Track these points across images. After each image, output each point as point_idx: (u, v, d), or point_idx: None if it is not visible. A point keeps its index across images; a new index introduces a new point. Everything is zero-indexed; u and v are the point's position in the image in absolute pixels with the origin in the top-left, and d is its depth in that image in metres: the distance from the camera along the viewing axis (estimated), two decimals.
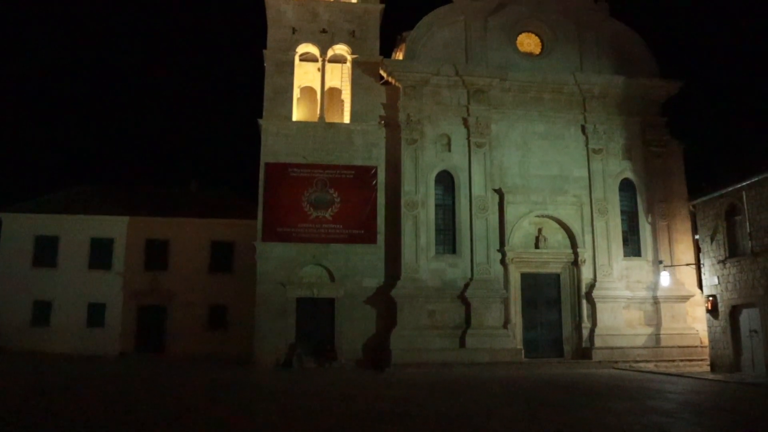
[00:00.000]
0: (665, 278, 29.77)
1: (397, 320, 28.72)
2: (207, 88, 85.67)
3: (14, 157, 78.76)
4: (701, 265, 28.20)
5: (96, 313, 36.28)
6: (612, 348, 29.57)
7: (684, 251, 32.16)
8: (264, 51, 31.78)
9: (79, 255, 36.69)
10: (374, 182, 30.85)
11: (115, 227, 37.17)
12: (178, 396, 18.01)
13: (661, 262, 30.61)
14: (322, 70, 32.36)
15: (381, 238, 30.43)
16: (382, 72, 32.03)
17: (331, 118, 32.46)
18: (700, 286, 31.20)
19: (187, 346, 35.48)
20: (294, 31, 32.11)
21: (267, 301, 29.24)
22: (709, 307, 27.33)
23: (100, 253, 36.91)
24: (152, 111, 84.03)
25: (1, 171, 77.46)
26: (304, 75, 34.36)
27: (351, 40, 32.46)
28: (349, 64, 32.87)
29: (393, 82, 31.91)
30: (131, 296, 36.53)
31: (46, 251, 36.47)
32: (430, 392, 19.36)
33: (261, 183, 30.11)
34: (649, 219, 32.24)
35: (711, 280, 27.59)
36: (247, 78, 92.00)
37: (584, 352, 29.85)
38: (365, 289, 29.87)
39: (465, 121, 31.41)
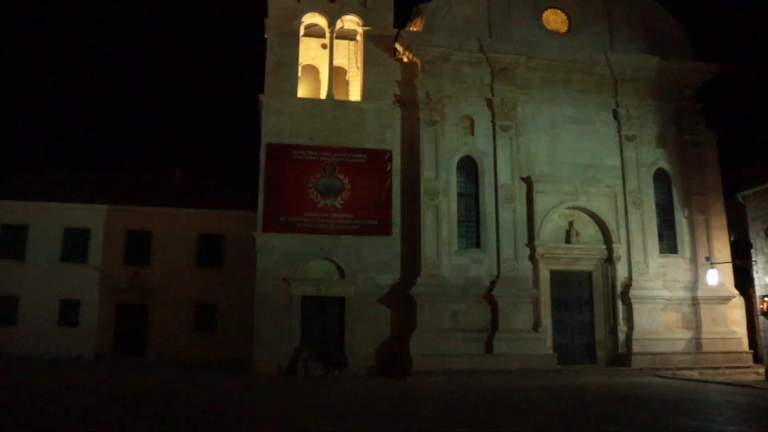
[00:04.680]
0: (713, 277, 26.84)
1: (417, 322, 25.46)
2: (193, 65, 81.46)
3: None
4: (753, 263, 25.46)
5: (69, 311, 32.52)
6: (653, 354, 26.66)
7: (720, 249, 29.46)
8: (265, 20, 28.39)
9: (50, 246, 32.84)
10: (388, 167, 27.62)
11: (92, 217, 33.37)
12: (168, 414, 14.56)
13: (708, 259, 27.67)
14: (330, 43, 29.07)
15: (396, 229, 27.21)
16: (397, 46, 28.86)
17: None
18: (737, 287, 28.76)
19: (171, 348, 31.95)
20: None
21: (268, 299, 25.82)
22: (765, 309, 24.63)
23: (75, 244, 33.13)
24: (132, 90, 79.73)
25: None
26: (306, 52, 31.08)
27: (362, 11, 29.20)
28: (359, 38, 29.65)
29: (410, 57, 28.73)
30: (109, 293, 32.80)
31: (13, 242, 32.52)
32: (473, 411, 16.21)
33: (261, 166, 26.66)
34: (686, 213, 29.49)
35: (764, 279, 24.92)
36: (239, 54, 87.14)
37: (620, 358, 26.91)
38: (379, 287, 26.61)
39: (489, 102, 28.34)
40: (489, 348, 25.77)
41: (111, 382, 21.27)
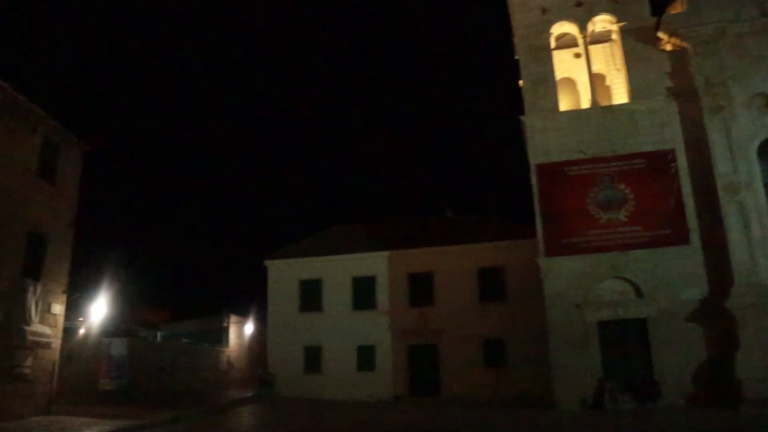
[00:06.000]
0: None
1: (739, 340, 21.90)
2: (446, 104, 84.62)
3: (271, 204, 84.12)
4: None
5: (366, 356, 34.03)
6: None
7: None
8: (514, 40, 27.61)
9: (342, 296, 35.02)
10: (674, 168, 24.71)
11: (376, 264, 34.91)
12: None
13: None
14: (585, 49, 27.34)
15: (695, 235, 24.04)
16: (660, 35, 26.12)
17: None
18: None
19: (463, 386, 31.59)
20: (544, 11, 27.56)
21: (561, 327, 24.27)
22: None
23: (363, 292, 34.86)
24: (394, 142, 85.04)
25: (262, 220, 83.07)
26: (559, 65, 29.52)
27: (613, 7, 27.05)
28: (615, 37, 27.46)
29: (677, 43, 25.82)
30: (399, 336, 33.72)
31: (311, 295, 35.35)
32: None
33: (534, 189, 25.55)
34: None
35: None
36: (490, 81, 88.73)
37: None
38: (685, 304, 23.53)
39: None
40: None
41: (424, 421, 21.27)
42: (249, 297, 50.63)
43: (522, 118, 26.46)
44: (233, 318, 44.91)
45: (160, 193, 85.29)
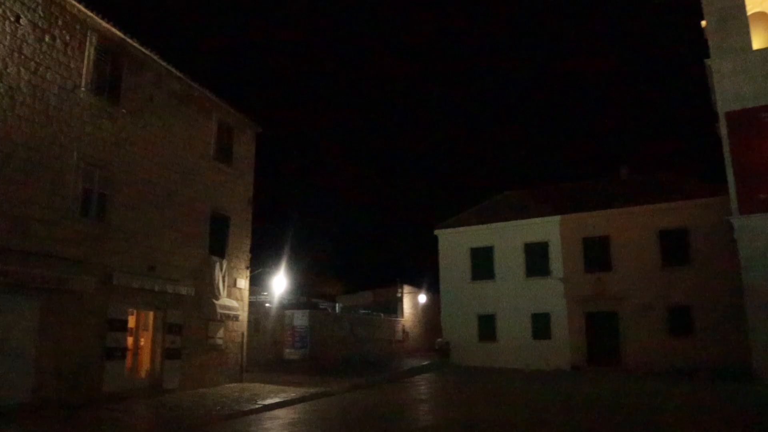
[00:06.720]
0: None
1: None
2: (613, 62, 79.78)
3: (442, 173, 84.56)
4: None
5: (541, 324, 33.12)
6: None
7: None
8: None
9: (514, 263, 34.25)
10: None
11: (547, 229, 33.65)
12: None
13: None
14: None
15: None
16: None
17: None
18: None
19: (645, 356, 29.77)
20: None
21: (760, 293, 21.84)
22: None
23: (536, 258, 33.81)
24: (561, 106, 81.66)
25: (433, 190, 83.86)
26: None
27: None
28: None
29: None
30: (575, 303, 32.32)
31: (482, 263, 34.98)
32: None
33: (724, 140, 23.04)
34: None
35: None
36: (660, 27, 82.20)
37: None
38: None
39: None
40: None
41: (620, 395, 20.21)
42: (421, 267, 51.32)
43: (707, 61, 23.84)
44: (407, 288, 45.74)
45: (334, 169, 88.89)
